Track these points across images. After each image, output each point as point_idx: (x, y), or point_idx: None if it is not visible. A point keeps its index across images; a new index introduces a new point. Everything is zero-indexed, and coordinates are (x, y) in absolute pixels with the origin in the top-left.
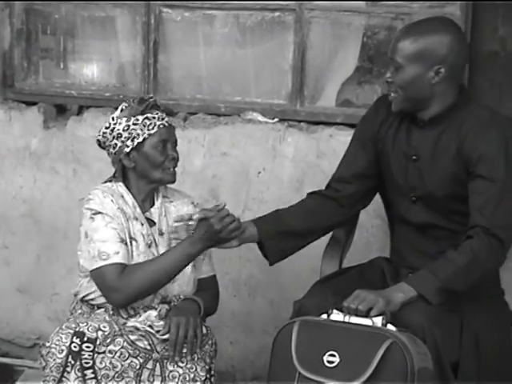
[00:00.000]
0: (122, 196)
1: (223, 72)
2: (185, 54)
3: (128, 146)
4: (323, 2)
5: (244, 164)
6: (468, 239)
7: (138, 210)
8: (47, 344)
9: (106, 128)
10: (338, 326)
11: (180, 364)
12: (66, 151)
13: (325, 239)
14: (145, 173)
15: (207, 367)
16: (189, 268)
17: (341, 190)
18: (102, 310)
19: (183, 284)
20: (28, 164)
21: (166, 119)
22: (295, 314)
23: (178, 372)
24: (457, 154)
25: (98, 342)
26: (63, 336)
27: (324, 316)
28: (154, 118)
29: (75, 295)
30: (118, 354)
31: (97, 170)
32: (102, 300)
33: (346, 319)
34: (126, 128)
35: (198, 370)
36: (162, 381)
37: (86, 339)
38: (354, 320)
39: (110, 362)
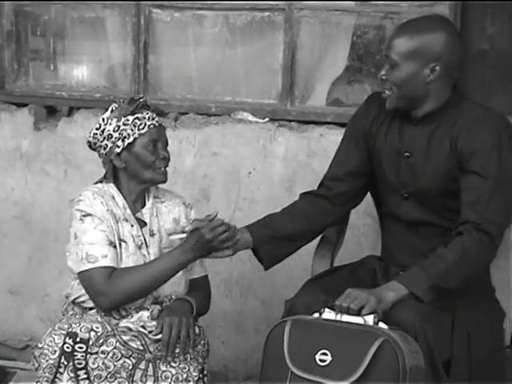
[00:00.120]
0: (113, 197)
1: (213, 72)
2: (175, 55)
3: (119, 147)
4: (313, 2)
5: (235, 164)
6: (458, 236)
7: (127, 211)
8: (40, 345)
9: (97, 129)
10: (329, 325)
11: (173, 364)
12: (56, 152)
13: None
14: (136, 173)
15: (200, 367)
16: None
17: (333, 188)
18: (94, 310)
19: (175, 284)
20: (19, 166)
21: (157, 119)
22: (286, 313)
23: (170, 372)
24: (450, 150)
25: (90, 343)
26: (56, 337)
27: (316, 315)
28: (144, 118)
29: (66, 297)
30: (110, 354)
31: (88, 171)
32: None
33: (338, 318)
34: (116, 128)
35: (191, 370)
36: (154, 381)
37: (78, 340)
38: (346, 318)
39: (103, 363)
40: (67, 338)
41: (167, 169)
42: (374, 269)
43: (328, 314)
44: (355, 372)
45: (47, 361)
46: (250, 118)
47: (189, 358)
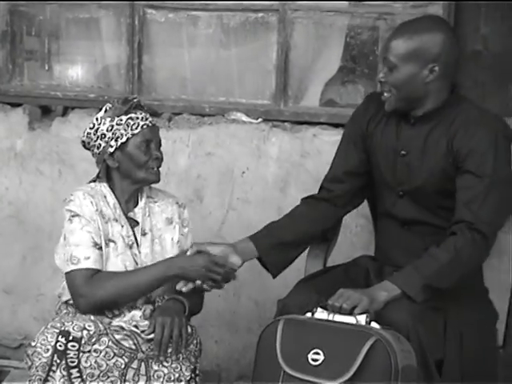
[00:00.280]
0: (105, 196)
1: (207, 72)
2: (169, 55)
3: (112, 146)
4: (306, 3)
5: (228, 164)
6: (452, 235)
7: (118, 211)
8: (33, 343)
9: (91, 128)
10: (322, 324)
11: (165, 364)
12: (51, 152)
13: None
14: (129, 173)
15: (192, 367)
16: None
17: (334, 190)
18: None
19: (167, 284)
20: (13, 165)
21: (150, 119)
22: (279, 313)
23: (162, 372)
24: (446, 149)
25: (83, 341)
26: (49, 335)
27: (308, 314)
28: (137, 118)
29: (59, 296)
30: (103, 353)
31: (82, 171)
32: None
33: (331, 317)
34: (109, 128)
35: (183, 369)
36: (146, 380)
37: (71, 338)
38: (339, 318)
39: (95, 361)
40: (60, 336)
41: (160, 169)
42: (367, 269)
43: (321, 314)
44: (347, 371)
45: (40, 359)
46: (244, 118)
47: (181, 358)
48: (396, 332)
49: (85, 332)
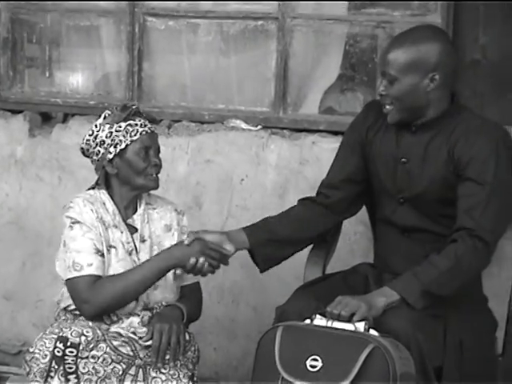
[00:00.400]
0: (104, 203)
1: (207, 80)
2: (169, 63)
3: (111, 153)
4: (305, 11)
5: (227, 171)
6: (452, 243)
7: (117, 217)
8: (31, 349)
9: (90, 135)
10: (320, 331)
11: (163, 370)
12: (51, 159)
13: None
14: (128, 179)
15: (190, 373)
16: (171, 275)
17: (330, 196)
18: None
19: (166, 291)
20: (13, 171)
21: (149, 126)
22: (277, 320)
23: (160, 378)
24: (447, 157)
25: (81, 347)
26: (47, 341)
27: (307, 321)
28: (136, 124)
29: (58, 303)
30: (100, 359)
31: (82, 178)
32: None
33: (329, 324)
34: (108, 135)
35: (181, 376)
36: None
37: (69, 344)
38: (337, 325)
39: (93, 367)
40: (58, 342)
41: (159, 175)
42: (366, 276)
43: (319, 321)
44: (346, 378)
45: (38, 365)
46: (243, 125)
47: (179, 365)
48: (395, 340)
49: (83, 338)
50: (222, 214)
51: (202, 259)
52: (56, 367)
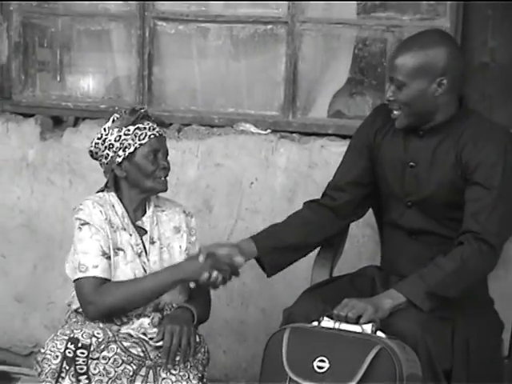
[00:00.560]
0: (113, 206)
1: (217, 84)
2: (179, 67)
3: (120, 156)
4: (315, 15)
5: (237, 174)
6: (458, 245)
7: (126, 220)
8: (42, 350)
9: (98, 139)
10: (327, 333)
11: (173, 371)
12: (62, 162)
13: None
14: (136, 182)
15: (199, 375)
16: None
17: (337, 199)
18: None
19: (175, 292)
20: (25, 175)
21: (157, 129)
22: (285, 322)
23: (170, 379)
24: (455, 161)
25: (92, 348)
26: (58, 342)
27: (314, 323)
28: (144, 128)
29: (68, 305)
30: (111, 360)
31: (92, 181)
32: None
33: (336, 326)
34: (117, 138)
35: (191, 377)
36: None
37: (80, 345)
38: (344, 327)
39: (104, 368)
40: (69, 343)
41: (168, 178)
42: (373, 278)
43: (326, 323)
44: (352, 379)
45: (49, 366)
46: (253, 129)
47: (189, 366)
48: (401, 342)
49: (94, 339)
50: (231, 217)
51: (215, 273)
52: (67, 368)
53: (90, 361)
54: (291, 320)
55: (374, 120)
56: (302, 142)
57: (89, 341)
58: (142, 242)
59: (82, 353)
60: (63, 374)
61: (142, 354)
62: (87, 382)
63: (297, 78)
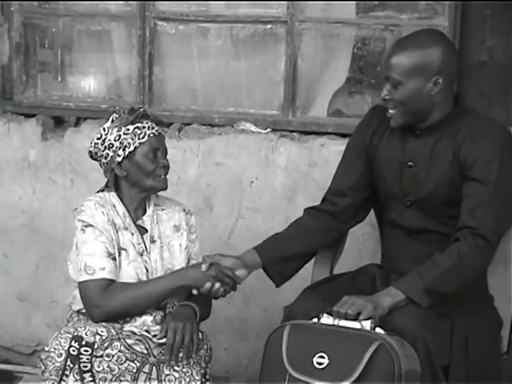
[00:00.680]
0: (114, 205)
1: (217, 83)
2: (179, 66)
3: (119, 156)
4: (314, 15)
5: (237, 173)
6: (455, 242)
7: (127, 219)
8: (46, 348)
9: (98, 139)
10: (327, 329)
11: (176, 368)
12: (63, 162)
13: None
14: (137, 181)
15: (202, 371)
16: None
17: (337, 204)
18: None
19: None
20: (27, 175)
21: (156, 128)
22: (285, 319)
23: (173, 376)
24: (453, 158)
25: (95, 346)
26: (62, 340)
27: (314, 320)
28: (144, 127)
29: (70, 305)
30: (115, 357)
31: (94, 181)
32: None
33: (336, 323)
34: (117, 138)
35: (194, 373)
36: None
37: (84, 343)
38: (344, 323)
39: (108, 366)
40: (73, 341)
41: (168, 177)
42: (373, 276)
43: (326, 320)
44: (351, 375)
45: (53, 363)
46: (253, 128)
47: (192, 362)
48: (400, 338)
49: (97, 337)
50: (232, 216)
51: (217, 285)
52: (71, 366)
53: (93, 358)
54: (291, 317)
55: (369, 122)
56: (302, 140)
57: (92, 339)
58: (143, 240)
59: (86, 350)
60: (67, 372)
61: (145, 351)
62: (91, 379)
63: (296, 78)
